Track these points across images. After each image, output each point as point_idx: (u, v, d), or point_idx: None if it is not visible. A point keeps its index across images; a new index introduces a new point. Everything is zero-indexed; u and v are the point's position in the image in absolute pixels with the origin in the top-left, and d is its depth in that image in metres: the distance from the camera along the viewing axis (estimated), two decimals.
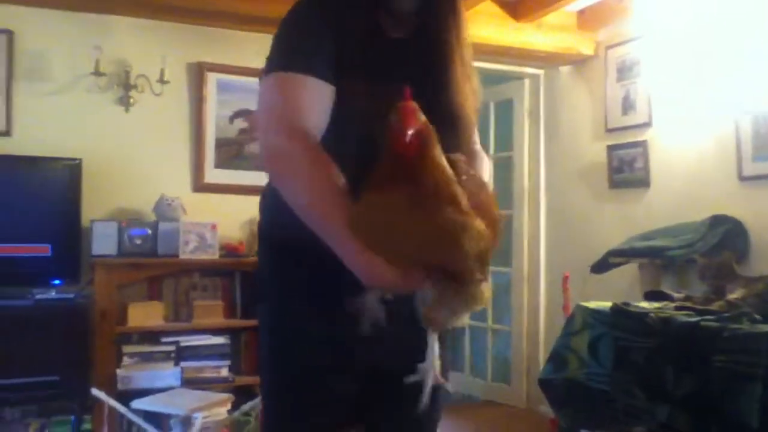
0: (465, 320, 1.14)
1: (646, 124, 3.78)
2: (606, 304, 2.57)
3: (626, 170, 3.92)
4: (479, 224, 1.00)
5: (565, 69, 4.40)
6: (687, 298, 2.63)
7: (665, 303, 2.56)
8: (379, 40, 1.28)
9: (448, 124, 1.21)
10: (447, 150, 1.06)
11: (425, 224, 0.96)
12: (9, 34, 3.56)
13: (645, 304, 2.58)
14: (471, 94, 1.35)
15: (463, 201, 1.01)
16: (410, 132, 0.96)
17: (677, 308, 2.40)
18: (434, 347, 1.14)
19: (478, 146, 1.45)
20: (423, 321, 1.11)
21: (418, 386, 1.34)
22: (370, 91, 1.18)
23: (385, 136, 1.00)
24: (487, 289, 1.09)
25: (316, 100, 1.16)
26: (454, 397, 4.71)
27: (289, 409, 1.27)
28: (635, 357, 2.29)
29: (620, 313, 2.39)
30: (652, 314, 2.30)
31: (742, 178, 3.25)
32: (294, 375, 1.27)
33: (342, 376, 1.26)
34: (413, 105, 0.99)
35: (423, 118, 1.00)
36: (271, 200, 1.27)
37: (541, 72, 4.55)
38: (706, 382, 2.03)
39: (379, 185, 0.99)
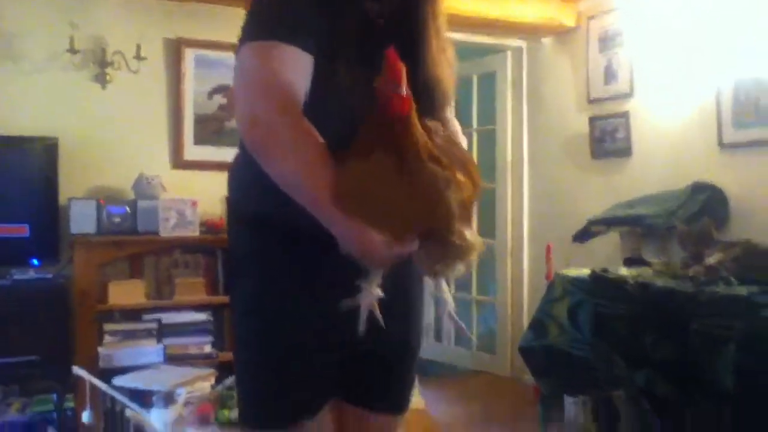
0: (463, 269, 1.16)
1: (628, 95, 3.77)
2: (585, 272, 2.57)
3: (608, 140, 3.92)
4: (460, 176, 1.03)
5: (547, 40, 4.37)
6: (665, 264, 2.64)
7: (644, 269, 2.56)
8: (363, 20, 1.24)
9: (426, 96, 1.20)
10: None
11: (413, 185, 0.97)
12: None
13: (624, 271, 2.59)
14: (447, 67, 1.32)
15: (444, 159, 1.02)
16: (404, 88, 0.95)
17: (655, 273, 2.40)
18: (376, 275, 1.12)
19: (450, 116, 1.42)
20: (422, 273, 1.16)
21: (402, 356, 1.36)
22: (352, 72, 1.15)
23: (375, 102, 0.99)
24: (474, 236, 1.11)
25: (298, 70, 1.12)
26: (439, 367, 4.74)
27: (271, 388, 1.24)
28: (614, 323, 2.30)
29: (599, 280, 2.39)
30: (630, 281, 2.31)
31: (723, 146, 3.26)
32: (278, 356, 1.23)
33: (325, 354, 1.24)
34: (401, 65, 0.97)
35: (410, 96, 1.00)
36: (245, 174, 1.23)
37: (523, 44, 4.52)
38: (684, 346, 2.04)
39: (364, 152, 0.99)
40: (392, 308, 1.17)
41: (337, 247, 1.07)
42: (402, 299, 1.31)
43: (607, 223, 3.38)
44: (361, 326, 1.10)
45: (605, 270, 2.45)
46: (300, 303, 1.21)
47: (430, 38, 1.28)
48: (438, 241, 1.06)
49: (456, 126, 1.40)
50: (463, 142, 1.38)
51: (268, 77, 1.09)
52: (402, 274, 1.23)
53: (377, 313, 1.12)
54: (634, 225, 3.28)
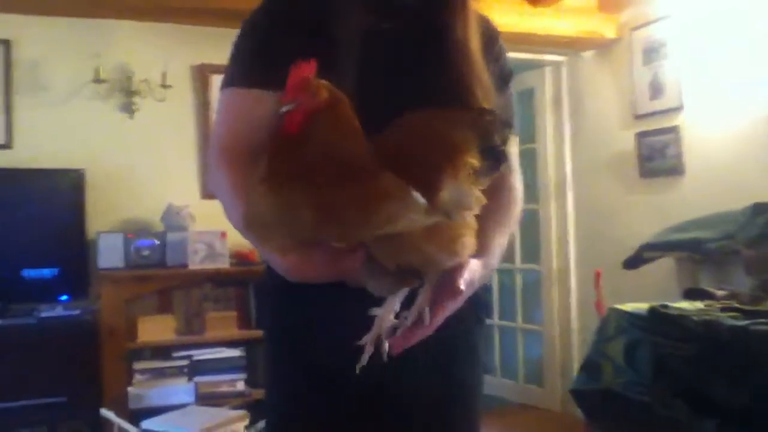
0: (462, 254, 0.95)
1: (678, 109, 3.55)
2: (642, 306, 2.35)
3: (657, 158, 3.69)
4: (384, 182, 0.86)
5: (587, 54, 4.17)
6: (732, 296, 2.41)
7: (708, 302, 2.34)
8: (366, 30, 1.12)
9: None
10: None
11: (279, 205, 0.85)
12: (6, 44, 3.45)
13: (685, 304, 2.37)
14: (483, 96, 1.14)
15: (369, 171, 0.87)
16: (284, 108, 0.85)
17: (722, 309, 2.18)
18: (389, 301, 0.98)
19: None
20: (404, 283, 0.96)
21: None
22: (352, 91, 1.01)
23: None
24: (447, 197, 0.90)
25: (253, 112, 1.07)
26: (482, 400, 4.51)
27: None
28: (677, 365, 2.08)
29: (658, 317, 2.18)
30: (694, 317, 2.09)
31: None
32: (292, 404, 1.18)
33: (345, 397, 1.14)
34: (299, 77, 0.85)
35: (323, 93, 0.86)
36: None
37: (562, 59, 4.32)
38: (760, 394, 1.82)
39: (269, 181, 0.86)
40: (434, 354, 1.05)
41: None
42: (451, 345, 1.16)
43: (661, 248, 3.16)
44: (362, 361, 0.96)
45: (665, 305, 2.24)
46: (306, 342, 1.15)
47: (464, 61, 1.13)
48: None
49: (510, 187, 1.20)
50: (517, 200, 1.20)
51: (220, 132, 1.14)
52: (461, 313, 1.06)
53: (384, 346, 0.97)
54: (691, 250, 3.06)
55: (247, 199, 0.90)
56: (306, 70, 0.87)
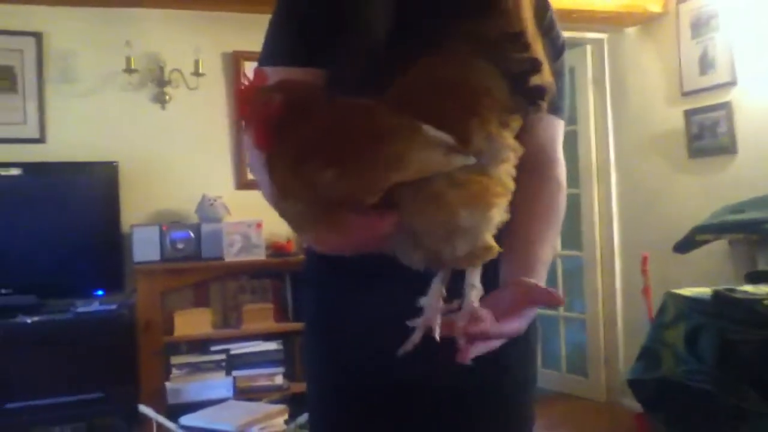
0: (494, 213, 0.85)
1: (730, 84, 3.37)
2: (704, 291, 2.21)
3: (708, 136, 3.52)
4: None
5: (631, 30, 4.00)
6: None
7: None
8: None
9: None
10: None
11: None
12: (38, 36, 3.41)
13: (750, 288, 2.22)
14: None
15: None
16: (244, 123, 0.83)
17: None
18: (435, 288, 0.91)
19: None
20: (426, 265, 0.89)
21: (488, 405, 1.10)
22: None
23: None
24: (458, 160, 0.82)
25: None
26: None
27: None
28: (745, 351, 1.94)
29: (725, 301, 2.04)
30: (764, 301, 1.95)
31: None
32: (336, 397, 1.12)
33: (392, 393, 1.08)
34: (245, 87, 0.83)
35: (275, 96, 0.82)
36: None
37: (604, 36, 4.16)
38: None
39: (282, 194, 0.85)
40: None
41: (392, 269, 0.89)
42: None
43: (716, 230, 3.00)
44: (407, 345, 0.89)
45: (731, 289, 2.09)
46: (353, 336, 1.08)
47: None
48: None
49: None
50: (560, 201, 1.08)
51: None
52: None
53: (436, 333, 0.88)
54: (748, 231, 2.89)
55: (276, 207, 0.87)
56: (252, 83, 0.83)
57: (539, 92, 0.89)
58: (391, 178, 0.80)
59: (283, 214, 0.86)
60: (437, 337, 0.88)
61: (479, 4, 1.04)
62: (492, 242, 0.87)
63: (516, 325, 0.86)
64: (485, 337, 0.84)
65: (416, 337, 0.90)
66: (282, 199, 0.84)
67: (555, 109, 1.10)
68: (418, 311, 0.92)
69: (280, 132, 0.82)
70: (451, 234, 0.85)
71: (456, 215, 0.83)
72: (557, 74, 1.11)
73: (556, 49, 1.14)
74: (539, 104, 0.90)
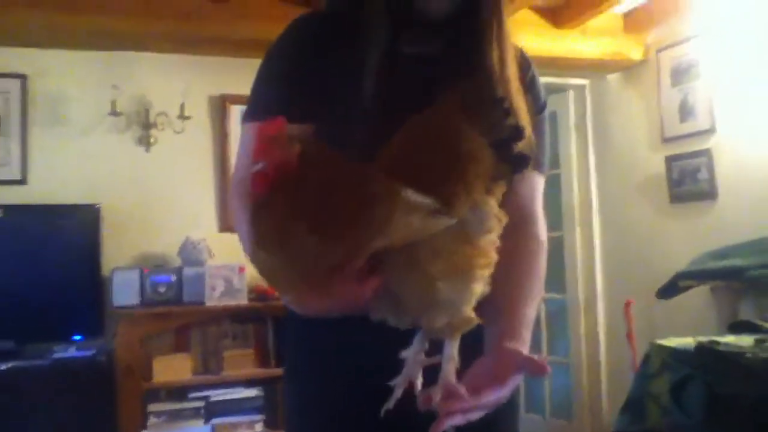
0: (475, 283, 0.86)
1: (709, 131, 3.42)
2: (687, 341, 2.21)
3: (688, 182, 3.56)
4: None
5: (613, 77, 4.07)
6: None
7: (759, 336, 2.19)
8: (390, 60, 1.05)
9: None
10: None
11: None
12: (23, 78, 3.40)
13: (732, 339, 2.22)
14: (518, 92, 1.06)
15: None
16: (256, 168, 0.82)
17: None
18: (419, 342, 0.93)
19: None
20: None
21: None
22: (376, 129, 0.97)
23: None
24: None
25: None
26: None
27: None
28: (733, 406, 1.93)
29: (707, 353, 2.04)
30: (748, 354, 1.95)
31: None
32: None
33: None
34: (266, 132, 0.82)
35: (289, 148, 0.82)
36: None
37: (586, 82, 4.22)
38: None
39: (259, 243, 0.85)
40: None
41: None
42: None
43: (699, 276, 3.01)
44: (390, 403, 0.89)
45: (714, 341, 2.09)
46: (325, 388, 1.09)
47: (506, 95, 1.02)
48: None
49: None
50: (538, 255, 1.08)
51: (236, 164, 1.14)
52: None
53: (417, 386, 0.90)
54: (731, 278, 2.90)
55: (252, 255, 0.87)
56: (274, 126, 0.83)
57: (523, 160, 0.91)
58: (373, 244, 0.80)
59: (257, 263, 0.86)
60: (418, 388, 0.89)
61: (465, 61, 1.06)
62: (471, 314, 0.87)
63: (499, 394, 0.86)
64: (463, 411, 0.83)
65: (398, 393, 0.91)
66: (259, 248, 0.83)
67: (536, 165, 1.11)
68: (393, 353, 0.92)
69: (284, 183, 0.82)
70: (430, 305, 0.85)
71: (434, 288, 0.83)
72: (538, 129, 1.12)
73: (538, 105, 1.16)
74: (522, 171, 0.91)
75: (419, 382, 0.91)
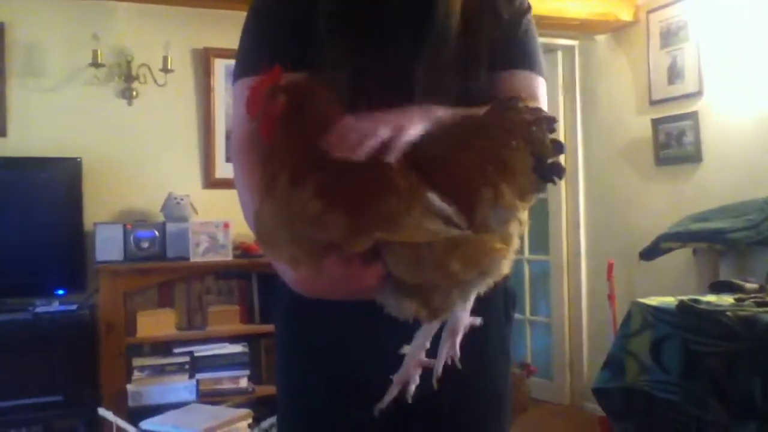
0: (493, 271, 0.85)
1: (696, 94, 3.42)
2: (669, 300, 2.24)
3: (674, 145, 3.57)
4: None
5: (602, 38, 4.04)
6: (761, 290, 2.29)
7: (738, 296, 2.22)
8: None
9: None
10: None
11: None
12: (0, 26, 3.31)
13: (713, 299, 2.25)
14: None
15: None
16: (253, 120, 0.86)
17: (757, 303, 2.06)
18: (420, 339, 0.93)
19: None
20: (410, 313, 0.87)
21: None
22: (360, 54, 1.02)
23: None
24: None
25: None
26: None
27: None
28: (711, 363, 1.97)
29: (689, 312, 2.06)
30: (728, 312, 1.97)
31: None
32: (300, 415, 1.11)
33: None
34: (258, 84, 0.85)
35: (280, 96, 0.84)
36: None
37: (575, 42, 4.19)
38: None
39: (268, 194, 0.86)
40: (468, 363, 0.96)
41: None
42: (484, 352, 1.08)
43: (681, 238, 3.03)
44: (384, 401, 0.92)
45: (695, 300, 2.12)
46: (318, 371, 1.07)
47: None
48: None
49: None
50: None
51: (234, 124, 1.11)
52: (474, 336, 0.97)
53: (410, 390, 0.92)
54: (713, 241, 2.93)
55: (256, 212, 0.87)
56: (265, 80, 0.85)
57: (558, 172, 0.87)
58: (379, 235, 0.79)
59: (257, 219, 0.85)
60: (411, 391, 0.91)
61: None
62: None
63: None
64: None
65: (393, 393, 0.92)
66: (265, 198, 0.83)
67: (530, 64, 1.14)
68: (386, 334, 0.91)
69: (283, 128, 0.84)
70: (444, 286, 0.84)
71: (446, 267, 0.81)
72: (521, 30, 1.14)
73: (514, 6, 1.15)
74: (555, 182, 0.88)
75: (413, 387, 0.92)
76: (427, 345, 0.92)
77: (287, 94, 0.84)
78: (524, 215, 0.86)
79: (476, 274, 0.83)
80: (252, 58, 1.08)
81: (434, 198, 0.80)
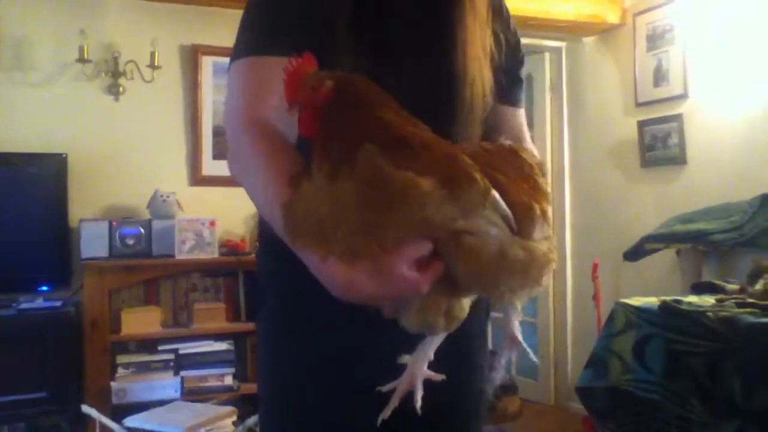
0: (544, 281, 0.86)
1: (682, 96, 3.45)
2: (651, 301, 2.26)
3: (660, 147, 3.59)
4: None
5: (589, 40, 4.06)
6: (742, 290, 2.31)
7: (719, 296, 2.25)
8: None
9: (451, 93, 1.02)
10: (446, 127, 0.92)
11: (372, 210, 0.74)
12: None
13: (695, 299, 2.27)
14: (484, 57, 1.06)
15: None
16: (293, 108, 0.79)
17: (737, 304, 2.08)
18: (424, 348, 0.90)
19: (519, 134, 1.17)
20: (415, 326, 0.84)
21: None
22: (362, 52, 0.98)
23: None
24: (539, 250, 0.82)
25: (273, 81, 0.89)
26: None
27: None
28: (693, 363, 1.99)
29: (671, 312, 2.08)
30: (709, 313, 1.99)
31: None
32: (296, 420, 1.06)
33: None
34: (295, 70, 0.78)
35: (326, 82, 0.78)
36: None
37: (562, 44, 4.21)
38: None
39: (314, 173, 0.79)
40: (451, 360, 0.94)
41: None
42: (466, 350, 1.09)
43: (665, 240, 3.06)
44: (386, 412, 0.88)
45: (677, 300, 2.14)
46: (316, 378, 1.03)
47: (465, 16, 1.04)
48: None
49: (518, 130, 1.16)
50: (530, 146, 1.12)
51: (241, 102, 0.97)
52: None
53: (417, 400, 0.88)
54: (696, 242, 2.96)
55: (288, 201, 0.80)
56: (302, 66, 0.78)
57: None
58: (435, 232, 0.75)
59: (289, 208, 0.79)
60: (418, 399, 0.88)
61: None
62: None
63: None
64: None
65: (395, 403, 0.88)
66: (307, 186, 0.77)
67: (519, 102, 1.19)
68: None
69: (328, 121, 0.78)
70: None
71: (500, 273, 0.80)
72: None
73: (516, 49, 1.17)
74: None
75: (419, 395, 0.88)
76: (431, 356, 0.89)
77: (335, 82, 0.78)
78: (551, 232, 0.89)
79: (533, 282, 0.82)
80: (270, 37, 0.98)
81: (498, 197, 0.78)
